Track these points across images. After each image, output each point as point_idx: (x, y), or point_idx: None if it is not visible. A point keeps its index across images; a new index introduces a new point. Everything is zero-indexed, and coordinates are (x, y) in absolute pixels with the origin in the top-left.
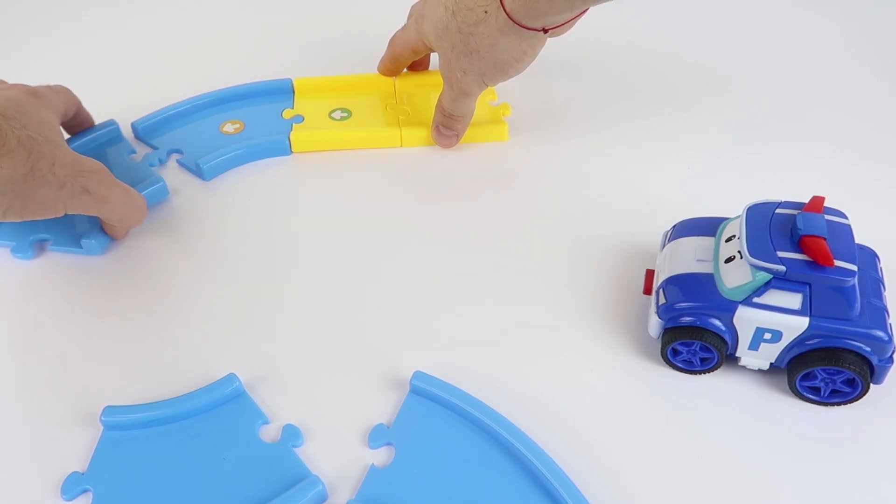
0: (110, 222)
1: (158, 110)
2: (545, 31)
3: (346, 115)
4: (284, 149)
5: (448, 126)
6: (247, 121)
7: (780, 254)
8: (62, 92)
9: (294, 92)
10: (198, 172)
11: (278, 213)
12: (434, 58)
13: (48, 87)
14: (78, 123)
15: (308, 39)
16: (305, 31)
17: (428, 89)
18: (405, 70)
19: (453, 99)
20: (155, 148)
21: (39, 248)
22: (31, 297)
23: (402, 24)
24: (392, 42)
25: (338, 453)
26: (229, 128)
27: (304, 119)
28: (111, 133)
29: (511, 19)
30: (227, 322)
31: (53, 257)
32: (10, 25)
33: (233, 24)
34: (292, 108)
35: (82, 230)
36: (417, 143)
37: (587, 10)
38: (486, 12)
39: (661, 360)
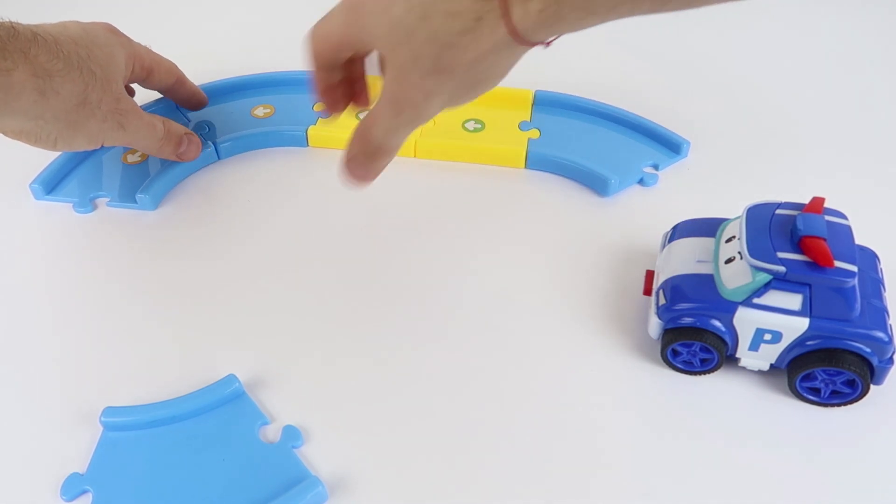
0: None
1: (200, 85)
2: (548, 44)
3: None
4: (301, 141)
5: (371, 159)
6: (278, 107)
7: (780, 255)
8: (163, 60)
9: None
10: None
11: (283, 207)
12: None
13: (154, 52)
14: (183, 98)
15: None
16: None
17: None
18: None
19: (394, 128)
20: (188, 120)
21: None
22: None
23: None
24: (312, 35)
25: (338, 454)
26: (260, 112)
27: (330, 114)
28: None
29: (513, 33)
30: (227, 322)
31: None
32: None
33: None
34: None
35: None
36: (432, 156)
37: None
38: (478, 20)
39: (661, 360)
